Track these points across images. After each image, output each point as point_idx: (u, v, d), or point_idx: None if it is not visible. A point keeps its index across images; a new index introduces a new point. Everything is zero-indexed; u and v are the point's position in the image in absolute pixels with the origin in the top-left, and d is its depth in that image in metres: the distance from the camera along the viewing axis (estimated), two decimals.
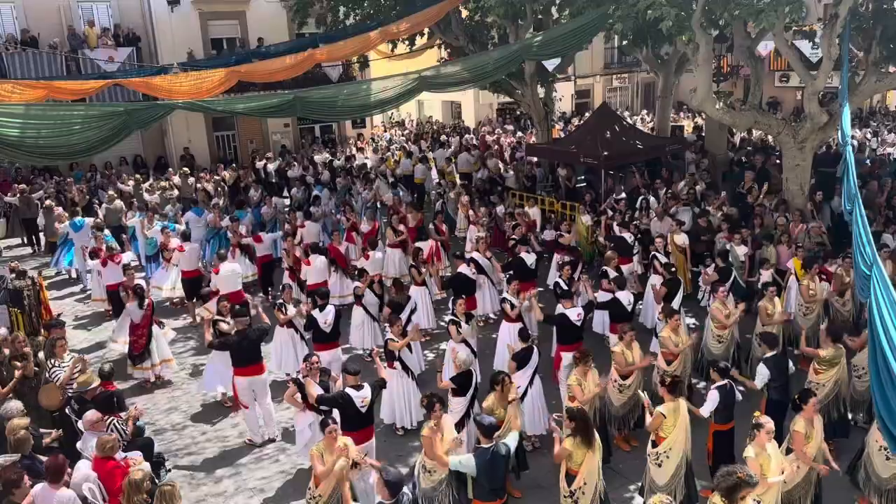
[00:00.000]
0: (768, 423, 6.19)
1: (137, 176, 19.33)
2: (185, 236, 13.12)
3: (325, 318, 9.32)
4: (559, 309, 9.19)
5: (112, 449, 6.50)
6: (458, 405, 7.80)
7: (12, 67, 19.04)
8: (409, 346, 9.31)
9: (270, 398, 9.11)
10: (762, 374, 7.77)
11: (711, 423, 7.43)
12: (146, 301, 10.43)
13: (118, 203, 16.23)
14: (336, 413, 7.20)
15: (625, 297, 9.78)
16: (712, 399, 7.26)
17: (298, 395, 7.68)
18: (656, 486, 6.89)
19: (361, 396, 7.21)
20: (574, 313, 9.05)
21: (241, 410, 9.17)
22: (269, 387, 9.14)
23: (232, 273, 11.51)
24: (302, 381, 7.73)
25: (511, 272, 10.98)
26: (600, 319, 11.16)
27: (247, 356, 8.73)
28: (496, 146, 23.38)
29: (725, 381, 7.38)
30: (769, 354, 7.96)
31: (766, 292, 9.79)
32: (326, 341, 9.43)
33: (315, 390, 7.50)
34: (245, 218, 15.00)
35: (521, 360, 8.32)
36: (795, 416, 6.75)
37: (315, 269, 11.91)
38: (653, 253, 11.65)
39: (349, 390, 7.24)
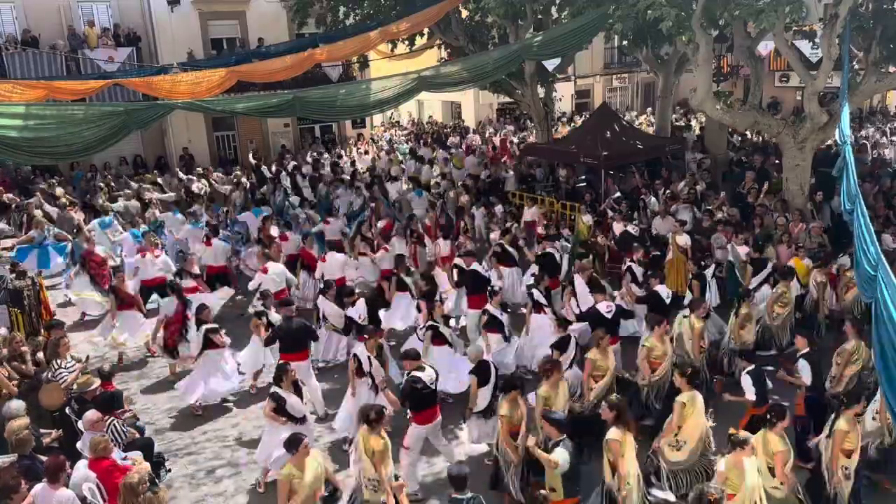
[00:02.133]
0: (748, 441, 6.15)
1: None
2: (216, 230, 13.50)
3: (359, 313, 9.57)
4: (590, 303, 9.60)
5: (105, 449, 6.49)
6: (482, 397, 7.97)
7: (12, 67, 19.03)
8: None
9: (315, 381, 9.37)
10: (804, 367, 7.96)
11: (749, 409, 7.60)
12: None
13: (134, 202, 16.37)
14: (310, 427, 7.36)
15: (664, 290, 10.06)
16: (748, 383, 7.52)
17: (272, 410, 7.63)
18: (678, 465, 7.10)
19: (428, 377, 7.56)
20: (605, 307, 9.25)
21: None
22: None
23: (278, 274, 11.52)
24: (282, 393, 7.60)
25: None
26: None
27: (292, 343, 9.02)
28: (501, 150, 23.37)
29: (753, 366, 7.68)
30: (804, 351, 8.12)
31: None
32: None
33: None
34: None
35: (561, 346, 8.57)
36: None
37: (331, 265, 11.94)
38: (629, 264, 11.45)
39: (416, 373, 7.54)
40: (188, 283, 11.51)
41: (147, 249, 12.34)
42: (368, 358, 8.25)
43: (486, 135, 26.95)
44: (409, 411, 7.80)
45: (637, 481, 6.44)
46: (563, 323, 8.99)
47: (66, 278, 13.34)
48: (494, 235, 13.55)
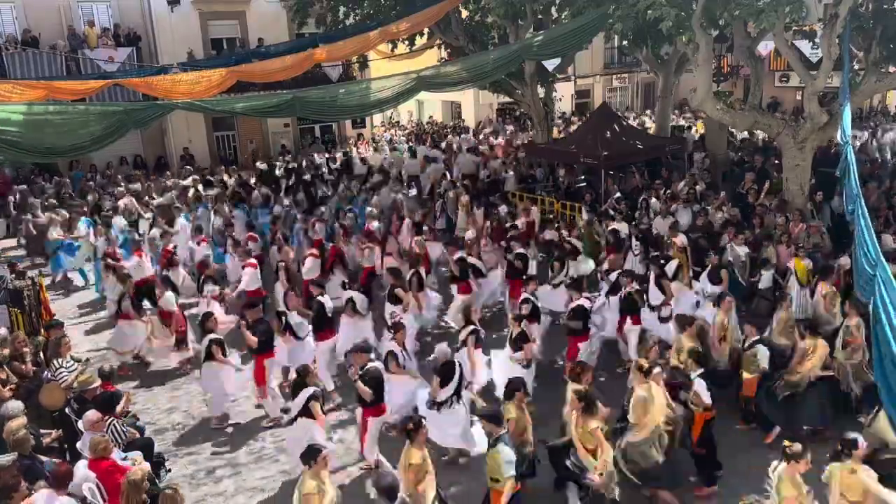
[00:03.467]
0: (804, 453, 5.91)
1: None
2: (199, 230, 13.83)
3: (328, 304, 9.84)
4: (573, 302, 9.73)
5: (105, 450, 6.49)
6: (443, 395, 7.95)
7: (12, 67, 19.04)
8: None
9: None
10: (764, 354, 8.36)
11: (698, 414, 7.52)
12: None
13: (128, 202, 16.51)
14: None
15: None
16: (702, 386, 7.45)
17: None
18: (634, 445, 7.10)
19: (382, 368, 7.96)
20: (587, 303, 9.62)
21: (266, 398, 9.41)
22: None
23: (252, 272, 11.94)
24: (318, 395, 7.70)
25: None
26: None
27: (270, 341, 9.27)
28: (499, 148, 23.36)
29: (703, 370, 7.68)
30: (756, 338, 8.57)
31: (783, 303, 9.71)
32: (329, 328, 9.88)
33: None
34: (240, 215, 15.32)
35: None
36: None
37: (314, 268, 12.17)
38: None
39: (375, 365, 7.87)
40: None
41: (138, 251, 12.63)
42: (402, 352, 8.61)
43: (482, 136, 26.85)
44: (360, 406, 7.96)
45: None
46: (518, 319, 9.24)
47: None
48: (470, 234, 13.60)
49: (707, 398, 7.42)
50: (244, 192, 17.58)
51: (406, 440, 6.45)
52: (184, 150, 23.20)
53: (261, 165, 21.62)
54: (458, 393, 8.01)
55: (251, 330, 9.14)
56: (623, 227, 13.46)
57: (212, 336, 9.20)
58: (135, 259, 12.55)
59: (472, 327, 9.27)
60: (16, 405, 7.24)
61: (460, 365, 8.21)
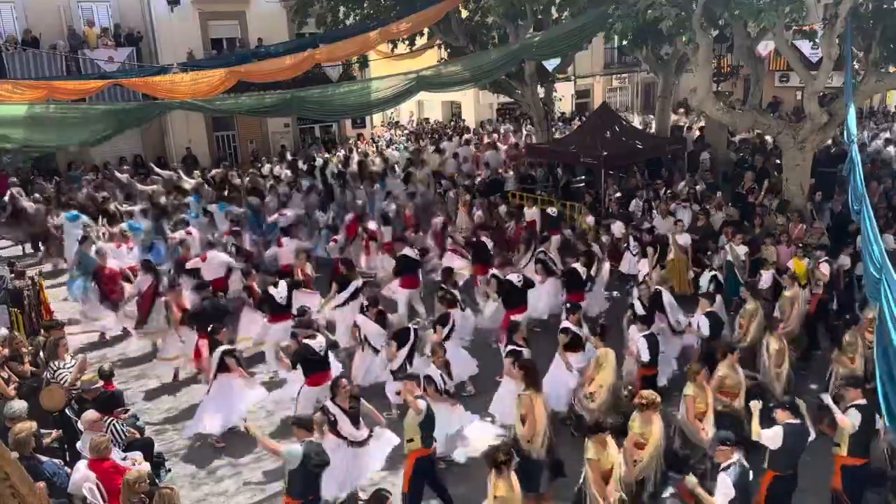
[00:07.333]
0: None
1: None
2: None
3: (280, 293, 10.43)
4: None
5: (106, 450, 6.49)
6: (398, 362, 8.88)
7: (12, 67, 19.02)
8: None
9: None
10: (705, 325, 8.98)
11: (640, 370, 8.59)
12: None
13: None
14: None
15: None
16: (644, 346, 8.46)
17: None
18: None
19: (318, 344, 8.54)
20: (515, 278, 10.47)
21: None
22: None
23: (218, 261, 12.07)
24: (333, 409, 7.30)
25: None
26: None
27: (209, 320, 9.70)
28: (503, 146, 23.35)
29: (649, 330, 8.70)
30: (708, 310, 9.19)
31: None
32: (282, 313, 10.30)
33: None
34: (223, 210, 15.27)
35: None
36: None
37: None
38: (631, 301, 10.18)
39: (307, 341, 8.48)
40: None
41: (120, 241, 12.90)
42: (441, 376, 8.01)
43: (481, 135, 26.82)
44: (303, 375, 8.52)
45: (545, 431, 6.94)
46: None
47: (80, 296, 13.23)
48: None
49: (645, 355, 8.37)
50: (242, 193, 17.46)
51: (492, 470, 5.94)
52: (187, 150, 23.17)
53: (278, 171, 21.35)
54: (410, 359, 8.87)
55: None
56: (618, 228, 13.45)
57: (224, 348, 8.78)
58: (114, 246, 12.56)
59: (511, 348, 8.44)
60: (20, 405, 7.22)
61: (416, 332, 9.14)
